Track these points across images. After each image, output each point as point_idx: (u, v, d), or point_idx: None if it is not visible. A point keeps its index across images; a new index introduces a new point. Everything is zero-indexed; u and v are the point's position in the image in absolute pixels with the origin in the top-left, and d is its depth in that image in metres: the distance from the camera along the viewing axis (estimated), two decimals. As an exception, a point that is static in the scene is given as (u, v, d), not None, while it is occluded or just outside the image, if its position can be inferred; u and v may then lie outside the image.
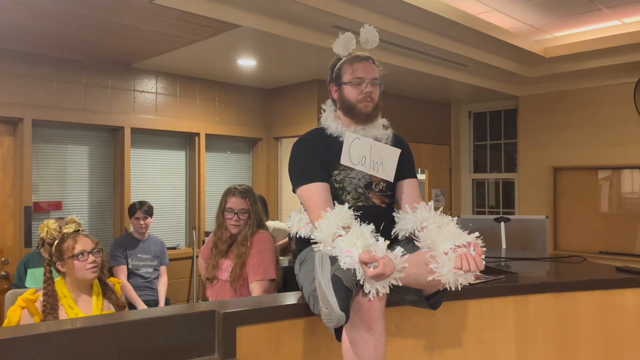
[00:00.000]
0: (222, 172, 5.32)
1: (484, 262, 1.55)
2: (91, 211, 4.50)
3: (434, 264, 1.52)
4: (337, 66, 1.90)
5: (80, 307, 2.19)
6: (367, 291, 1.46)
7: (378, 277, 1.43)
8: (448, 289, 1.56)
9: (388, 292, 1.49)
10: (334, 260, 1.52)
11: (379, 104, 1.88)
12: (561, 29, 4.60)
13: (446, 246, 1.54)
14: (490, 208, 6.58)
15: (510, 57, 4.90)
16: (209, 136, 5.07)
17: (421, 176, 6.60)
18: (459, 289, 1.53)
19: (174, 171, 5.03)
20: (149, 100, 4.67)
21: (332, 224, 1.57)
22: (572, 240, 5.60)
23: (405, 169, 1.91)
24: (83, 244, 2.22)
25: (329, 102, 1.96)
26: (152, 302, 4.06)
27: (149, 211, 4.20)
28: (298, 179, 1.81)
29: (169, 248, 4.50)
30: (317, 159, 1.82)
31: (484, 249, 1.57)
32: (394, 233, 1.82)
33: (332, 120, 1.90)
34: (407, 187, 1.90)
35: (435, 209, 1.73)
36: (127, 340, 1.51)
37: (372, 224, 1.60)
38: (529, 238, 3.67)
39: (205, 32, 3.58)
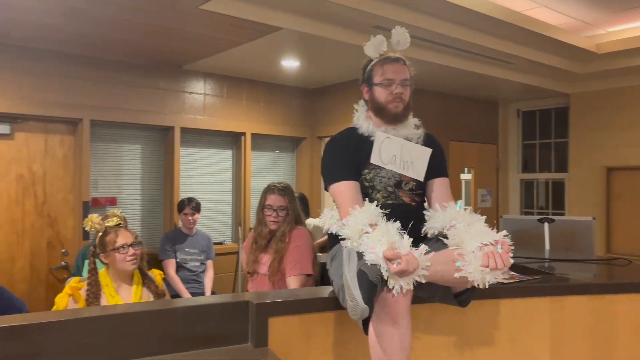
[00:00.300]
0: (267, 171, 5.46)
1: (511, 260, 1.56)
2: (143, 207, 4.73)
3: (461, 262, 1.55)
4: (369, 67, 1.94)
5: (121, 296, 2.35)
6: (390, 287, 1.50)
7: (401, 274, 1.47)
8: (476, 286, 1.58)
9: (412, 289, 1.53)
10: (361, 255, 1.57)
11: (409, 104, 1.91)
12: (614, 24, 4.42)
13: (474, 244, 1.56)
14: (540, 209, 6.39)
15: (560, 53, 4.76)
16: (254, 136, 5.22)
17: (467, 176, 6.51)
18: (487, 286, 1.55)
19: (221, 169, 5.20)
20: (198, 101, 4.86)
21: (360, 221, 1.63)
22: (626, 243, 5.36)
23: (436, 168, 1.93)
24: (124, 237, 2.38)
25: (362, 102, 2.00)
26: (198, 295, 4.22)
27: (197, 207, 4.37)
28: (329, 178, 1.87)
29: (215, 243, 4.67)
30: (348, 158, 1.87)
31: (512, 247, 1.58)
32: (424, 231, 1.85)
33: (363, 120, 1.95)
34: (438, 186, 1.93)
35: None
36: (166, 327, 1.62)
37: (400, 221, 1.64)
38: (576, 239, 3.56)
39: (250, 34, 3.70)
